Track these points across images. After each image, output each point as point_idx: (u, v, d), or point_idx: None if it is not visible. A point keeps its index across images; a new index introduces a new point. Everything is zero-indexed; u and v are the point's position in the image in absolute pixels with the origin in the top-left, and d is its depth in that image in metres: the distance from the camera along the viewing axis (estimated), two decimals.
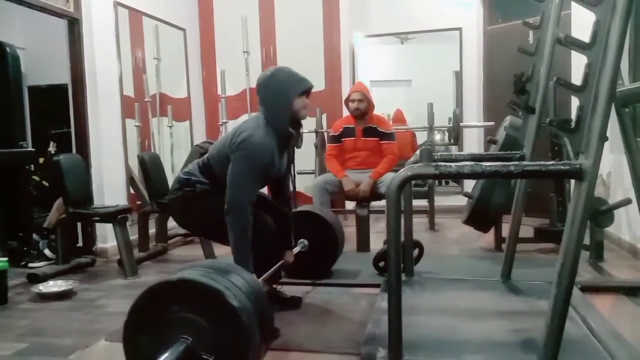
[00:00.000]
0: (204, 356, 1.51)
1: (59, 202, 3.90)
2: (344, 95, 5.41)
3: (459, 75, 5.82)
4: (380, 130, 4.02)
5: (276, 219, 2.56)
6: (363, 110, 3.98)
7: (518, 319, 2.31)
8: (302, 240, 2.95)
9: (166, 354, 1.47)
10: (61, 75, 4.27)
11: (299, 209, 3.33)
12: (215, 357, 1.51)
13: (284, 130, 2.41)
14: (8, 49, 4.23)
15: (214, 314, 1.53)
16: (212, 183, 2.43)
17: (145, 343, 1.56)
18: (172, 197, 2.53)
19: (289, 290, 2.79)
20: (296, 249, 2.83)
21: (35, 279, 3.30)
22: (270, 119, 2.39)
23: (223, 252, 3.79)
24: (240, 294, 1.57)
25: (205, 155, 2.55)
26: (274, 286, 2.71)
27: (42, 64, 5.11)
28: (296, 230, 2.83)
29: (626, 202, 3.16)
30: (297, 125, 2.48)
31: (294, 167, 2.75)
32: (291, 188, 2.74)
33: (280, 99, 2.37)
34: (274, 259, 2.56)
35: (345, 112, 5.01)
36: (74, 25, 3.91)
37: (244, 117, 5.24)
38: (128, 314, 1.60)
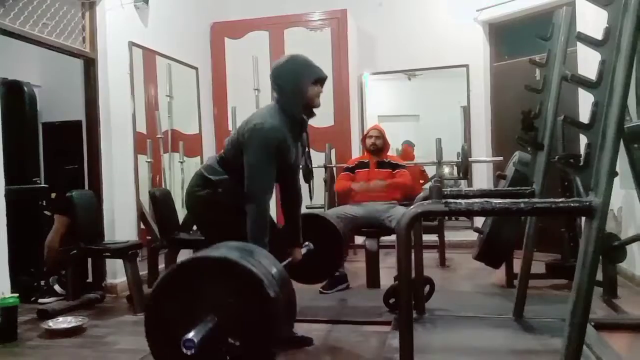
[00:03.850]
0: (229, 339, 1.49)
1: (48, 240, 3.93)
2: (353, 131, 5.50)
3: (466, 111, 5.88)
4: (393, 162, 4.18)
5: (285, 216, 2.57)
6: (379, 147, 4.14)
7: (531, 358, 2.28)
8: (307, 242, 2.87)
9: (193, 331, 1.44)
10: (75, 112, 4.37)
11: (304, 212, 3.28)
12: (240, 343, 1.49)
13: (297, 116, 2.42)
14: (25, 88, 4.35)
15: (249, 299, 1.50)
16: (231, 175, 2.41)
17: (170, 313, 1.54)
18: (194, 193, 2.49)
19: (300, 328, 2.77)
20: (302, 250, 2.77)
21: (44, 315, 3.30)
22: (283, 104, 2.40)
23: None
24: (275, 285, 1.55)
25: (222, 150, 2.55)
26: None
27: (56, 100, 5.22)
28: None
29: (638, 237, 3.13)
30: (310, 112, 2.48)
31: (309, 155, 2.73)
32: (300, 184, 2.72)
33: (294, 84, 2.38)
34: (281, 256, 2.49)
35: (355, 153, 5.08)
36: (89, 64, 4.02)
37: None
38: (158, 283, 1.58)
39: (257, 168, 2.30)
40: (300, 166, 2.74)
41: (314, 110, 2.49)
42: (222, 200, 2.42)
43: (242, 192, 2.33)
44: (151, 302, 1.58)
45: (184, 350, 1.42)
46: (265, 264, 1.62)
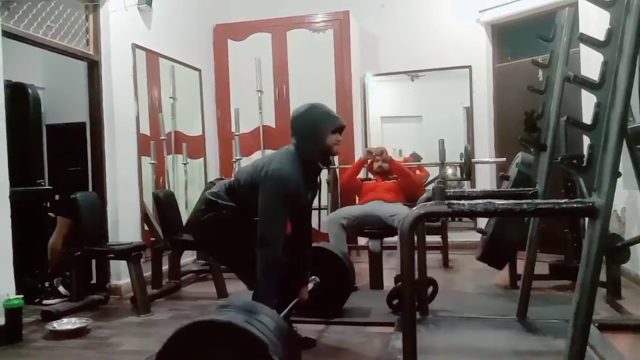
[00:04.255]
0: None
1: (51, 242, 3.95)
2: (356, 132, 5.51)
3: (469, 111, 5.88)
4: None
5: (294, 254, 2.57)
6: (386, 169, 4.36)
7: (535, 359, 2.27)
8: (313, 277, 2.91)
9: None
10: (79, 114, 4.39)
11: None
12: None
13: (314, 164, 2.46)
14: (30, 90, 4.37)
15: None
16: (237, 205, 2.45)
17: None
18: (197, 217, 2.53)
19: (303, 329, 2.77)
20: (309, 285, 2.81)
21: (49, 316, 3.31)
22: (301, 151, 2.43)
23: (234, 289, 3.79)
24: (280, 348, 1.57)
25: (232, 179, 2.58)
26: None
27: (60, 102, 5.25)
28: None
29: None
30: (327, 161, 2.55)
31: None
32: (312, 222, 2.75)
33: (314, 133, 2.42)
34: (288, 295, 2.55)
35: (358, 154, 5.20)
36: (93, 67, 4.04)
37: (257, 154, 5.32)
38: (164, 345, 1.60)
39: (271, 211, 2.34)
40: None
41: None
42: (226, 222, 2.45)
43: (246, 219, 2.38)
44: None
45: None
46: (270, 326, 1.64)
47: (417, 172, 5.42)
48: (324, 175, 4.94)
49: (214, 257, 2.73)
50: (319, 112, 2.46)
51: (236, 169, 4.74)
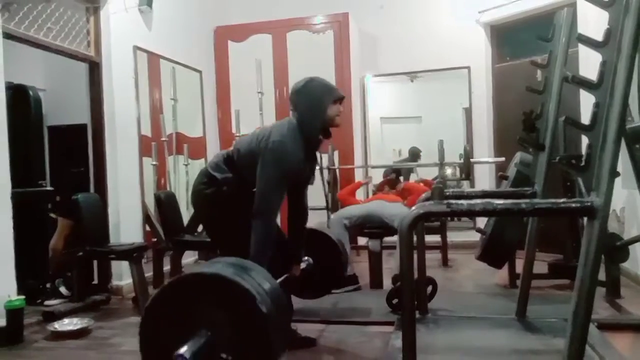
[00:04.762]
0: (222, 355, 1.50)
1: (52, 243, 3.96)
2: (355, 133, 5.53)
3: (468, 112, 5.89)
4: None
5: (289, 230, 2.60)
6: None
7: (534, 358, 2.29)
8: (306, 258, 2.86)
9: (186, 346, 1.46)
10: (80, 115, 4.40)
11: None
12: (232, 358, 1.51)
13: (314, 137, 2.45)
14: (31, 92, 4.37)
15: (242, 315, 1.53)
16: (236, 176, 2.44)
17: (163, 331, 1.56)
18: (200, 190, 2.51)
19: (303, 328, 2.78)
20: (302, 265, 2.76)
21: (50, 316, 3.32)
22: (302, 124, 2.42)
23: None
24: (269, 301, 1.57)
25: (230, 149, 2.56)
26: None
27: (61, 104, 5.26)
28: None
29: None
30: (327, 133, 2.53)
31: (314, 178, 2.74)
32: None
33: (315, 105, 2.42)
34: (280, 270, 2.51)
35: (358, 155, 5.28)
36: (94, 68, 4.05)
37: None
38: (152, 299, 1.60)
39: (269, 186, 2.33)
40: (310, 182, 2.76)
41: (331, 130, 2.53)
42: (227, 199, 2.43)
43: (246, 191, 2.36)
44: (145, 317, 1.60)
45: None
46: (259, 281, 1.63)
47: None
48: (325, 175, 4.95)
49: (208, 234, 2.71)
50: (318, 84, 2.47)
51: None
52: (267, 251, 2.30)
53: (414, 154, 6.91)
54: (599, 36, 1.63)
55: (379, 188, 4.85)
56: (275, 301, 1.62)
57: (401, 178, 4.89)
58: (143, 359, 1.61)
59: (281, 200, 2.40)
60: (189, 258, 4.76)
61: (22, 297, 3.04)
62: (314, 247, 2.90)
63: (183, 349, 1.45)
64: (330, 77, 5.43)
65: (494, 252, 3.63)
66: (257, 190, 2.33)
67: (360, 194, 5.30)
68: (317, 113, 2.42)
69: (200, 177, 2.54)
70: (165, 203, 4.08)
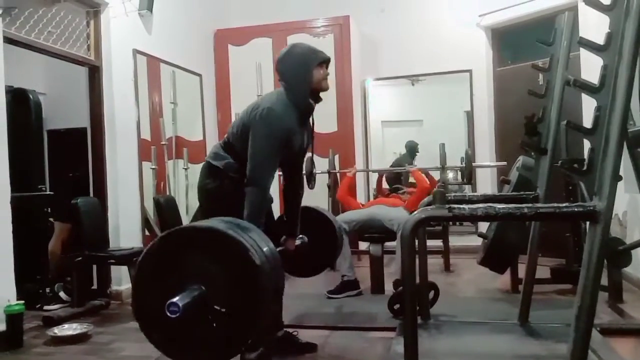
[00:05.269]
0: (215, 307, 1.50)
1: (51, 247, 3.94)
2: (356, 137, 5.52)
3: (469, 115, 5.89)
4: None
5: (286, 204, 2.59)
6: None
7: None
8: (301, 236, 2.78)
9: (179, 296, 1.45)
10: (80, 119, 4.40)
11: None
12: (227, 311, 1.50)
13: (304, 102, 2.42)
14: (31, 96, 4.37)
15: (234, 268, 1.53)
16: (236, 160, 2.41)
17: (157, 287, 1.55)
18: (205, 184, 2.48)
19: (304, 334, 2.76)
20: (297, 242, 2.70)
21: (50, 322, 3.31)
22: (290, 91, 2.40)
23: None
24: (262, 254, 1.56)
25: (226, 135, 2.55)
26: (289, 330, 2.69)
27: (61, 108, 5.26)
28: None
29: None
30: (317, 97, 2.48)
31: (313, 148, 2.69)
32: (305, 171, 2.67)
33: (300, 71, 2.39)
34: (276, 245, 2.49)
35: (359, 159, 5.30)
36: (94, 72, 4.05)
37: None
38: (143, 255, 1.59)
39: (261, 154, 2.31)
40: (309, 154, 2.70)
41: (321, 95, 2.49)
42: (232, 193, 2.37)
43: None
44: (137, 272, 1.59)
45: (168, 314, 1.43)
46: (252, 237, 1.63)
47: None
48: (324, 180, 4.94)
49: None
50: (301, 49, 2.45)
51: None
52: (262, 215, 2.26)
53: (412, 148, 6.90)
54: (600, 39, 1.62)
55: (379, 191, 4.83)
56: (268, 256, 1.61)
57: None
58: (136, 316, 1.60)
59: (274, 168, 2.36)
60: None
61: (22, 302, 3.03)
62: (308, 225, 2.83)
63: (175, 298, 1.45)
64: (331, 81, 5.44)
65: (496, 256, 3.61)
66: (250, 158, 2.31)
67: (361, 197, 5.29)
68: (303, 77, 2.39)
69: (203, 172, 2.52)
70: (165, 207, 4.08)
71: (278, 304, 1.83)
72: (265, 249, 1.64)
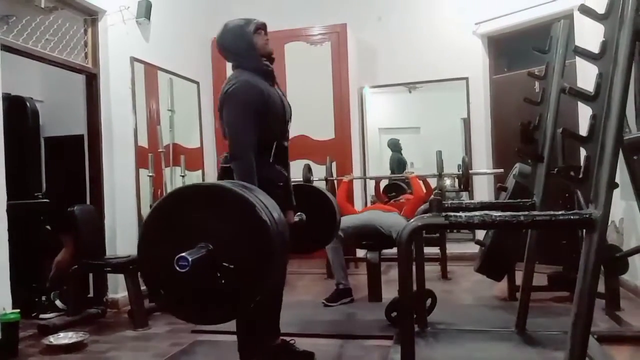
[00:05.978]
0: (224, 264, 1.49)
1: (59, 259, 3.93)
2: (354, 144, 5.52)
3: (466, 123, 5.89)
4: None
5: None
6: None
7: None
8: (299, 213, 2.74)
9: (186, 252, 1.44)
10: (77, 127, 4.39)
11: (294, 183, 3.02)
12: (235, 268, 1.50)
13: (261, 64, 2.43)
14: (28, 103, 4.38)
15: (241, 224, 1.53)
16: None
17: (164, 245, 1.54)
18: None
19: (301, 342, 2.75)
20: (295, 217, 2.67)
21: (45, 330, 3.29)
22: (243, 61, 2.43)
23: None
24: (268, 212, 1.56)
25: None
26: (287, 339, 2.67)
27: (58, 115, 5.24)
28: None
29: None
30: (271, 60, 2.51)
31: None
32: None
33: (242, 41, 2.42)
34: None
35: (356, 166, 5.31)
36: (91, 79, 4.05)
37: None
38: (150, 213, 1.59)
39: (236, 125, 2.31)
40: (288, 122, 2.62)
41: (272, 57, 2.53)
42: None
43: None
44: (143, 233, 1.59)
45: (178, 269, 1.41)
46: (257, 195, 1.64)
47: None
48: (322, 186, 4.94)
49: None
50: (234, 24, 2.47)
51: None
52: (253, 181, 2.20)
53: (395, 145, 6.90)
54: (596, 46, 1.63)
55: (378, 197, 4.83)
56: (273, 212, 1.61)
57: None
58: (142, 276, 1.59)
59: (252, 138, 2.30)
60: None
61: (17, 310, 3.01)
62: (307, 203, 2.81)
63: (184, 253, 1.44)
64: (328, 88, 5.48)
65: (493, 264, 3.62)
66: (228, 135, 2.33)
67: (358, 204, 5.29)
68: (247, 46, 2.41)
69: (219, 179, 2.51)
70: None
71: (285, 259, 1.81)
72: (268, 202, 1.64)
